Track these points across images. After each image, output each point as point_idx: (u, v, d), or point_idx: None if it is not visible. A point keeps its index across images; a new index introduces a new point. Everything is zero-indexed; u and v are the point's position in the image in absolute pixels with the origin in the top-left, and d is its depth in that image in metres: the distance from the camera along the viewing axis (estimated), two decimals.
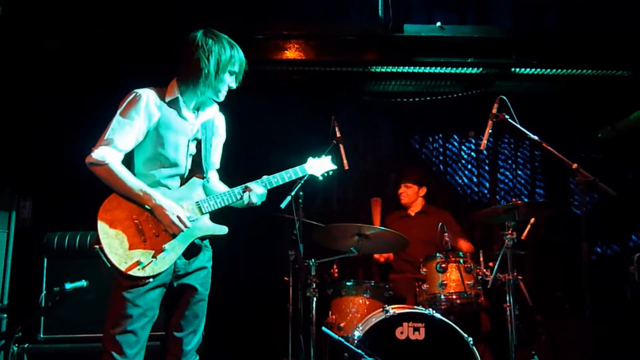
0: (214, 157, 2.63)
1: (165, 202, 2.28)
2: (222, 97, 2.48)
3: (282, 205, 3.39)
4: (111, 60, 4.51)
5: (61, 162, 4.49)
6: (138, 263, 2.22)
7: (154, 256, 2.25)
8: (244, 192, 2.46)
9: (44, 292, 3.54)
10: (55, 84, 4.52)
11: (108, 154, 2.27)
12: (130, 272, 2.20)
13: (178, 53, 2.41)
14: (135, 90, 2.36)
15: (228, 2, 4.43)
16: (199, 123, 2.48)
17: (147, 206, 2.27)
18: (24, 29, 4.10)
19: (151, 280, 2.24)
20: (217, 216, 2.51)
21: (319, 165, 2.73)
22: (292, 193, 3.44)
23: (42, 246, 3.68)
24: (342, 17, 4.80)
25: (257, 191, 2.46)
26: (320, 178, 2.75)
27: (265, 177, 2.53)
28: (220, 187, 2.60)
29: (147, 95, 2.36)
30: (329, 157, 2.79)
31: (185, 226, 2.29)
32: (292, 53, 4.65)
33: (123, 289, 2.22)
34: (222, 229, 2.44)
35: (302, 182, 2.97)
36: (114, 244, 2.22)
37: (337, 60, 4.76)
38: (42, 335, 3.50)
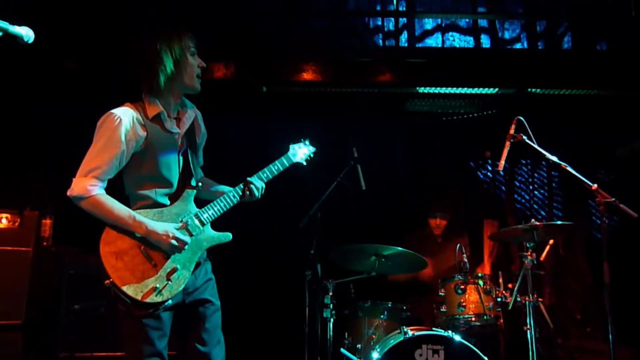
0: (201, 156, 2.55)
1: (156, 226, 2.19)
2: (198, 85, 2.35)
3: (301, 225, 3.43)
4: (132, 82, 4.61)
5: None
6: (154, 289, 2.15)
7: (168, 278, 2.20)
8: (242, 193, 2.42)
9: (64, 309, 3.57)
10: (75, 102, 4.61)
11: (87, 187, 2.13)
12: (147, 300, 2.13)
13: (135, 69, 2.28)
14: (113, 112, 2.19)
15: (245, 24, 4.54)
16: (182, 133, 2.36)
17: (138, 234, 2.17)
18: (45, 48, 4.20)
19: (170, 302, 2.20)
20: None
21: (301, 151, 2.71)
22: (310, 212, 3.47)
23: (63, 264, 3.73)
24: (356, 39, 4.88)
25: (257, 185, 2.43)
26: (304, 163, 2.72)
27: (254, 176, 2.47)
28: (209, 186, 2.53)
29: (128, 116, 2.20)
30: (307, 141, 2.77)
31: (185, 243, 2.23)
32: (308, 75, 4.73)
33: (141, 316, 2.16)
34: (227, 236, 2.40)
35: (324, 198, 2.88)
36: (125, 275, 2.13)
37: (352, 81, 4.83)
38: (61, 353, 3.53)
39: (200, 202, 2.42)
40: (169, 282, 2.19)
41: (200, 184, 2.41)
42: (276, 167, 2.56)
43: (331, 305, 3.56)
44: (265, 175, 2.50)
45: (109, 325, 3.52)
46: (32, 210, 3.96)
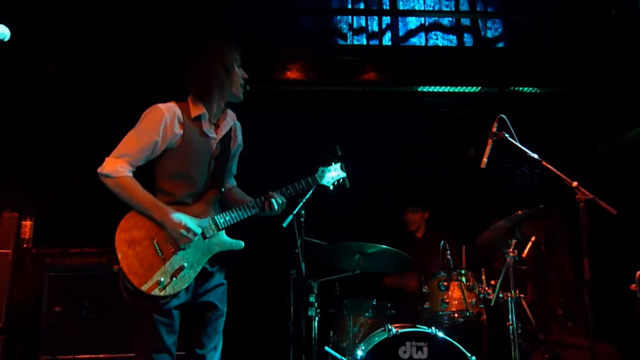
0: (234, 166, 2.64)
1: (174, 214, 2.25)
2: (242, 94, 2.50)
3: (284, 224, 3.42)
4: (112, 81, 4.56)
5: (62, 181, 4.51)
6: (158, 283, 2.20)
7: (174, 275, 2.24)
8: (261, 205, 2.45)
9: (45, 311, 3.53)
10: (57, 103, 4.56)
11: (118, 168, 2.24)
12: (152, 293, 2.19)
13: (185, 74, 2.43)
14: (159, 106, 2.34)
15: (229, 21, 4.53)
16: (218, 139, 2.46)
17: (156, 218, 2.25)
18: (26, 48, 4.15)
19: (172, 299, 2.23)
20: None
21: (330, 174, 2.67)
22: (294, 212, 3.46)
23: (44, 266, 3.69)
24: (341, 39, 4.89)
25: (278, 200, 2.46)
26: (331, 187, 2.68)
27: (277, 191, 2.50)
28: (237, 197, 2.59)
29: (171, 112, 2.33)
30: (339, 165, 2.70)
31: (194, 235, 2.27)
32: (292, 73, 4.72)
33: (151, 310, 2.21)
34: (239, 244, 2.44)
35: (307, 197, 2.94)
36: (134, 264, 2.20)
37: (336, 80, 4.84)
38: (41, 356, 3.48)
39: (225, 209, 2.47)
40: (174, 279, 2.23)
41: (223, 189, 2.45)
42: (300, 186, 2.56)
43: (316, 303, 3.57)
44: (288, 192, 2.52)
45: (91, 328, 3.49)
46: (11, 212, 3.90)
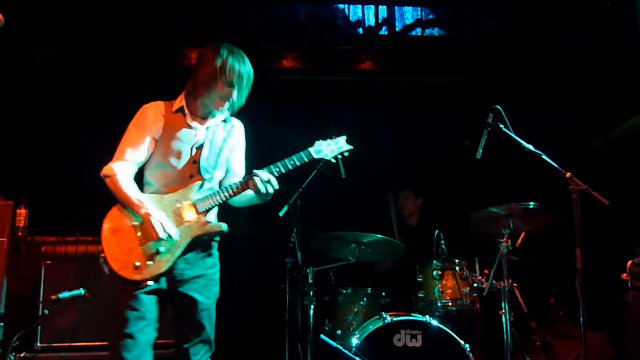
0: (234, 164, 2.58)
1: (153, 210, 2.30)
2: (220, 109, 2.45)
3: (280, 213, 3.43)
4: (106, 73, 4.54)
5: (57, 170, 4.50)
6: (134, 267, 2.26)
7: (150, 258, 2.27)
8: (244, 184, 2.37)
9: (41, 300, 3.53)
10: (51, 94, 4.53)
11: (116, 167, 2.38)
12: (126, 276, 2.26)
13: (194, 71, 2.46)
14: (145, 105, 2.49)
15: (225, 10, 4.50)
16: (204, 128, 2.48)
17: (137, 215, 2.31)
18: (21, 39, 4.13)
19: (150, 283, 2.26)
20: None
21: (329, 147, 2.50)
22: (290, 201, 3.48)
23: (40, 254, 3.69)
24: (337, 31, 4.89)
25: (262, 177, 2.33)
26: (333, 160, 2.52)
27: (264, 168, 2.39)
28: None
29: (153, 108, 2.47)
30: (344, 137, 2.55)
31: (165, 233, 2.27)
32: (288, 62, 4.71)
33: (123, 293, 2.27)
34: (221, 226, 2.38)
35: (304, 185, 2.92)
36: (115, 251, 2.30)
37: (332, 69, 4.83)
38: (39, 344, 3.50)
39: (227, 208, 2.54)
40: (150, 262, 2.27)
41: (210, 177, 2.43)
42: (292, 162, 2.42)
43: (311, 292, 3.59)
44: (277, 169, 2.40)
45: (88, 316, 3.50)
46: (6, 200, 3.88)
